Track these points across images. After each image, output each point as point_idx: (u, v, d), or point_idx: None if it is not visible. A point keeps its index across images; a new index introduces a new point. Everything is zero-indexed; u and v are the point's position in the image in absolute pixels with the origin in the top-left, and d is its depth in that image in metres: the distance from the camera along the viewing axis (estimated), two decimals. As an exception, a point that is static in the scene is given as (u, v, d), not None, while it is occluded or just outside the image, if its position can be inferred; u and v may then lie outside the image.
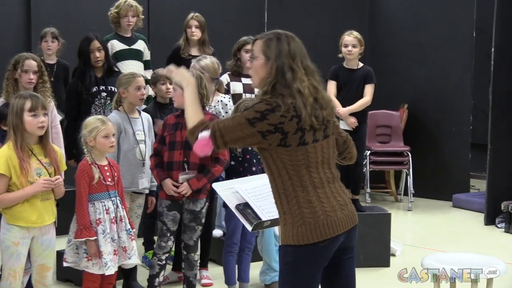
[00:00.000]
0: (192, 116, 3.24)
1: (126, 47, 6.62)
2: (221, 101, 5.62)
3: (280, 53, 3.15)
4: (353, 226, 3.23)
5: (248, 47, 6.10)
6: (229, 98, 5.76)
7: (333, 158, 3.26)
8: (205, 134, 3.13)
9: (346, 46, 6.35)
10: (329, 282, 3.31)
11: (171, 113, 5.12)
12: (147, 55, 6.81)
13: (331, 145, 3.25)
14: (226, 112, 5.54)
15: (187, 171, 4.82)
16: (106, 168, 4.52)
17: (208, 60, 5.54)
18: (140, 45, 6.73)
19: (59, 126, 5.26)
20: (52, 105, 5.13)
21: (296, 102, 3.09)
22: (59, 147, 5.12)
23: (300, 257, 3.15)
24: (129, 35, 6.68)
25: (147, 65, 6.73)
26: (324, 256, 3.18)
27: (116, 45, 6.56)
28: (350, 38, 6.35)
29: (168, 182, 4.82)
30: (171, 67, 3.46)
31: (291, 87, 3.11)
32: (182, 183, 4.80)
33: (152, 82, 5.89)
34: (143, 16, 6.78)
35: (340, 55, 6.45)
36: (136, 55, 6.66)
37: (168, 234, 4.89)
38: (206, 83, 4.95)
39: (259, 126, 3.07)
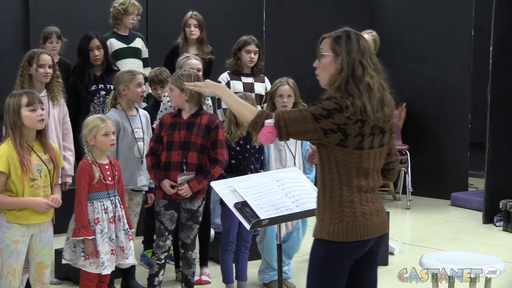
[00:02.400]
0: (247, 111, 3.29)
1: (124, 45, 6.61)
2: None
3: (350, 49, 3.20)
4: (384, 233, 3.31)
5: (249, 47, 6.08)
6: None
7: (380, 167, 3.32)
8: (270, 122, 3.17)
9: (345, 44, 6.36)
10: (352, 283, 3.33)
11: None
12: (145, 53, 6.81)
13: (383, 155, 3.31)
14: None
15: (185, 172, 4.81)
16: (107, 167, 4.52)
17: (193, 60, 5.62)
18: (138, 43, 6.73)
19: (69, 122, 5.28)
20: (63, 100, 5.16)
21: (364, 102, 3.13)
22: (69, 143, 5.18)
23: (331, 253, 3.21)
24: (126, 33, 6.68)
25: (145, 63, 6.73)
26: (353, 256, 3.23)
27: (114, 44, 6.56)
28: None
29: (166, 184, 4.80)
30: (198, 83, 3.60)
31: (361, 83, 3.15)
32: (181, 184, 4.80)
33: (149, 82, 5.90)
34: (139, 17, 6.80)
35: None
36: (135, 53, 6.66)
37: (166, 233, 4.89)
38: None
39: (323, 123, 3.11)
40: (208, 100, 5.63)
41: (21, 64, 5.05)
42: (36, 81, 5.03)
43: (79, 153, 5.16)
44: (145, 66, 6.69)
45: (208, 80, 3.64)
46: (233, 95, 3.43)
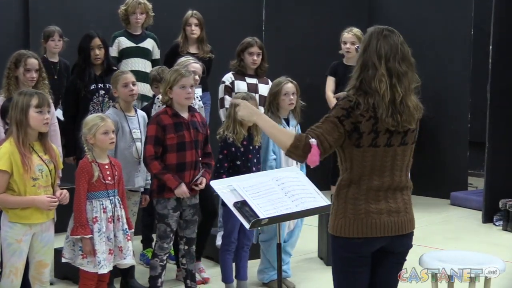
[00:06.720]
0: (284, 136, 3.21)
1: (133, 44, 6.62)
2: None
3: (368, 48, 3.17)
4: (401, 234, 3.25)
5: (252, 49, 6.05)
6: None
7: (407, 166, 3.29)
8: (313, 141, 3.11)
9: (345, 43, 6.36)
10: (371, 279, 3.34)
11: None
12: (156, 54, 6.79)
13: (408, 153, 3.28)
14: None
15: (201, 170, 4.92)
16: (106, 166, 4.53)
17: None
18: (149, 43, 6.72)
19: (57, 123, 5.27)
20: (50, 101, 5.14)
21: (375, 102, 3.11)
22: (57, 145, 5.15)
23: (338, 247, 3.28)
24: (138, 32, 6.68)
25: (156, 64, 6.63)
26: (358, 252, 3.23)
27: (123, 42, 6.57)
28: (349, 35, 6.37)
29: (184, 187, 4.80)
30: (238, 101, 3.64)
31: (371, 85, 3.13)
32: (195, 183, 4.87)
33: (151, 81, 5.89)
34: (153, 14, 6.77)
35: (340, 52, 6.46)
36: (143, 53, 6.65)
37: (171, 235, 4.90)
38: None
39: (347, 124, 3.11)
40: (199, 100, 5.65)
41: (7, 65, 5.02)
42: (22, 85, 4.99)
43: (78, 153, 5.16)
44: (154, 67, 6.63)
45: (246, 102, 3.52)
46: (269, 120, 3.35)
